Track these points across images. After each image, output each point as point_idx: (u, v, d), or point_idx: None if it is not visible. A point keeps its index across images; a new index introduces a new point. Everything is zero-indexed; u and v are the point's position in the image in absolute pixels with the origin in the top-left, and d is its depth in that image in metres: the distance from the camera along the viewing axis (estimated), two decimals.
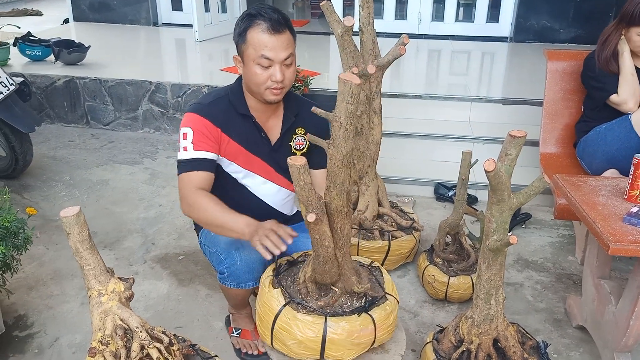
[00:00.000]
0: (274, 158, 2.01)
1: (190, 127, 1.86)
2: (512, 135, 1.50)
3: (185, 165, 1.86)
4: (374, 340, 1.68)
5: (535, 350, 1.88)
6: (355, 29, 2.43)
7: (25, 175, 3.61)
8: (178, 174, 1.88)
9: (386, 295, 1.76)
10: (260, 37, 1.77)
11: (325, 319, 1.63)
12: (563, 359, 2.18)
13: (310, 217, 1.49)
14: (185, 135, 1.86)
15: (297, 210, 2.22)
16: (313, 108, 1.52)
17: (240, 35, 1.83)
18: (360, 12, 2.35)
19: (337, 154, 1.48)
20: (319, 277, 1.68)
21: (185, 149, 1.86)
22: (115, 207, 3.28)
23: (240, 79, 1.96)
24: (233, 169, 1.98)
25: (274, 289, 1.72)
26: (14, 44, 4.88)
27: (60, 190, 3.48)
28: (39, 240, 2.88)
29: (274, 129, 1.99)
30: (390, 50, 2.28)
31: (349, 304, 1.71)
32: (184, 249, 2.84)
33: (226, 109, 1.93)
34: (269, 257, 1.67)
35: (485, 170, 1.50)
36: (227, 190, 2.00)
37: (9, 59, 4.78)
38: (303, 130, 2.02)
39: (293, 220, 2.18)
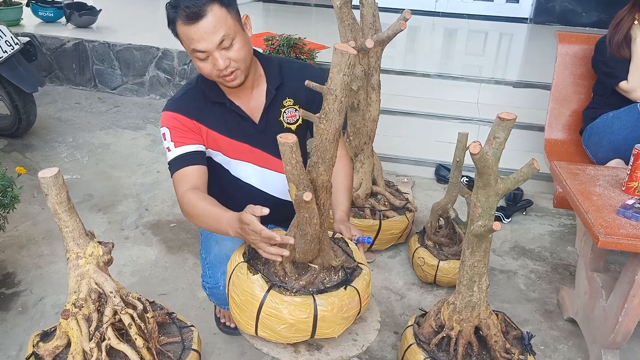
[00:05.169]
0: (264, 141, 1.82)
1: (166, 126, 1.75)
2: (501, 117, 1.43)
3: (174, 165, 1.75)
4: (359, 311, 1.64)
5: (519, 340, 1.84)
6: (357, 2, 2.36)
7: (29, 134, 3.62)
8: (172, 177, 1.77)
9: (359, 265, 1.70)
10: (184, 30, 1.58)
11: (314, 297, 1.55)
12: (550, 351, 2.13)
13: (307, 196, 1.40)
14: (164, 136, 1.76)
15: None
16: (307, 82, 1.38)
17: (171, 29, 1.66)
18: None
19: (330, 128, 1.39)
20: (301, 256, 1.61)
21: (168, 149, 1.75)
22: (113, 171, 3.27)
23: None
24: (221, 160, 1.84)
25: (253, 274, 1.58)
26: (27, 5, 4.86)
27: (62, 152, 3.48)
28: (35, 200, 2.89)
29: (258, 108, 1.80)
30: (391, 25, 2.20)
31: (328, 279, 1.66)
32: (176, 217, 2.82)
33: (199, 99, 1.78)
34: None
35: (471, 153, 1.44)
36: (226, 189, 1.88)
37: (22, 19, 4.77)
38: (292, 100, 1.84)
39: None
